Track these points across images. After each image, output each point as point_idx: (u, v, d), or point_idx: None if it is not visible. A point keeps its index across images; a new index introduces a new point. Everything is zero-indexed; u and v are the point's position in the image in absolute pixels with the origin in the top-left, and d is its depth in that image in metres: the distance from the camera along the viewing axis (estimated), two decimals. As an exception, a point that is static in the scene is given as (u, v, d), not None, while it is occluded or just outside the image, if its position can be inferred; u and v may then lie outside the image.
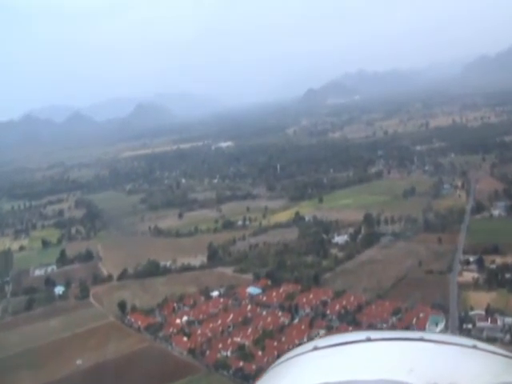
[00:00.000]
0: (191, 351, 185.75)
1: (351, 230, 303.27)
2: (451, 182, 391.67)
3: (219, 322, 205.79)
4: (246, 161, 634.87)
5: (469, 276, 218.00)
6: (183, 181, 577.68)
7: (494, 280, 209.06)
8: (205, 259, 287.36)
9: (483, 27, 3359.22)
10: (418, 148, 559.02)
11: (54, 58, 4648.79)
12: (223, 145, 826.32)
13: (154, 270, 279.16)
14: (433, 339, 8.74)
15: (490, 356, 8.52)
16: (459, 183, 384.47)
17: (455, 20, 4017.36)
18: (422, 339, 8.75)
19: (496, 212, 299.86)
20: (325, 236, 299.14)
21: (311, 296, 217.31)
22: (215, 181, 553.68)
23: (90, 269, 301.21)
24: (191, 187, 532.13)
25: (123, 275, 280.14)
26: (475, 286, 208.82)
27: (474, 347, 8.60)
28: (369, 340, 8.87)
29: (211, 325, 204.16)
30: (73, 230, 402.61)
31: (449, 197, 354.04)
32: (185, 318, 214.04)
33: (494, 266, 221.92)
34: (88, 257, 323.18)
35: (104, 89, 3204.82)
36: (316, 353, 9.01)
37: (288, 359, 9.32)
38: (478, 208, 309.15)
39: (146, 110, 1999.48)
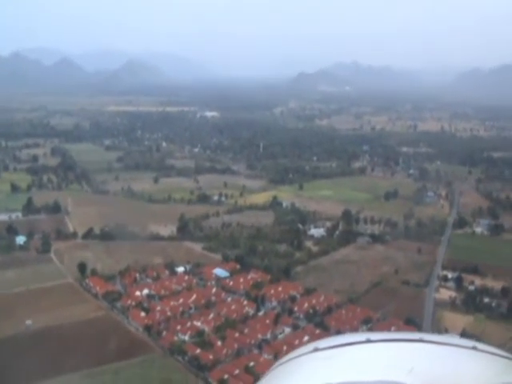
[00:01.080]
0: (147, 328, 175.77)
1: (328, 224, 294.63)
2: (435, 190, 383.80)
3: (181, 301, 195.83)
4: (230, 134, 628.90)
5: (446, 294, 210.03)
6: (164, 144, 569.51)
7: (472, 303, 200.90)
8: (174, 230, 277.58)
9: (480, 41, 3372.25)
10: (405, 149, 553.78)
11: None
12: (209, 114, 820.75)
13: (120, 234, 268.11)
14: (432, 340, 8.83)
15: (490, 357, 8.64)
16: (443, 193, 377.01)
17: (454, 28, 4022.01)
18: (421, 340, 8.83)
19: (479, 229, 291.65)
20: (301, 226, 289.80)
21: (280, 288, 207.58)
22: (196, 150, 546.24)
23: (55, 222, 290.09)
24: (171, 152, 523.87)
25: (88, 234, 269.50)
26: (452, 305, 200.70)
27: (474, 348, 8.69)
28: (369, 341, 8.97)
29: (172, 303, 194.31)
30: (45, 178, 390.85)
31: (432, 205, 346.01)
32: (145, 291, 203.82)
33: (472, 288, 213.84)
34: (55, 209, 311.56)
35: (96, 39, 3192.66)
36: (316, 354, 9.12)
37: (289, 360, 9.35)
38: (461, 222, 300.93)
39: (137, 66, 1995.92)
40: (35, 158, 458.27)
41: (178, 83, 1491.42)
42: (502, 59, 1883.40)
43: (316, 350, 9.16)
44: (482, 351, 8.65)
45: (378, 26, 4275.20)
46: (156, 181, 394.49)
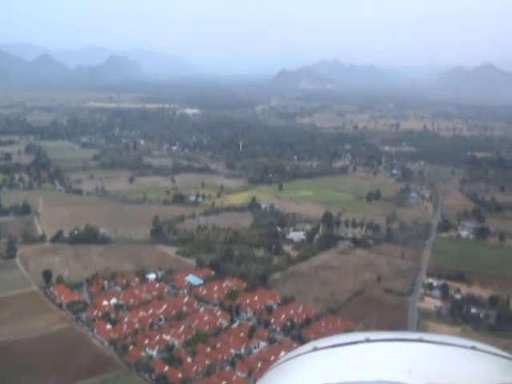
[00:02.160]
0: (113, 342, 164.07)
1: (308, 226, 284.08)
2: (418, 190, 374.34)
3: (150, 311, 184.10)
4: (210, 132, 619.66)
5: (431, 303, 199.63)
6: (142, 142, 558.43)
7: (459, 313, 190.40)
8: (148, 233, 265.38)
9: (464, 39, 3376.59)
10: (387, 149, 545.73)
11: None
12: (189, 111, 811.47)
13: (91, 237, 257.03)
14: (432, 340, 8.79)
15: (489, 357, 8.65)
16: (427, 194, 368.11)
17: (437, 27, 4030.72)
18: (421, 340, 8.80)
19: (464, 233, 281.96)
20: (279, 229, 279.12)
21: (256, 297, 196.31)
22: (174, 148, 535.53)
23: (24, 224, 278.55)
24: (148, 150, 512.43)
25: (57, 237, 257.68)
26: (437, 316, 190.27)
27: (473, 348, 8.71)
28: (368, 341, 8.95)
29: (141, 313, 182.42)
30: (16, 177, 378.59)
31: (415, 207, 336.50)
32: (113, 301, 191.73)
33: (458, 296, 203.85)
34: (25, 210, 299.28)
35: (79, 35, 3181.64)
36: (315, 353, 9.11)
37: (288, 360, 9.33)
38: (446, 225, 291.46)
39: (118, 62, 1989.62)
40: (8, 156, 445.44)
41: (160, 80, 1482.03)
42: (486, 58, 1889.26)
43: (315, 349, 9.06)
44: (482, 351, 8.62)
45: (361, 25, 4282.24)
46: (131, 180, 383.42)
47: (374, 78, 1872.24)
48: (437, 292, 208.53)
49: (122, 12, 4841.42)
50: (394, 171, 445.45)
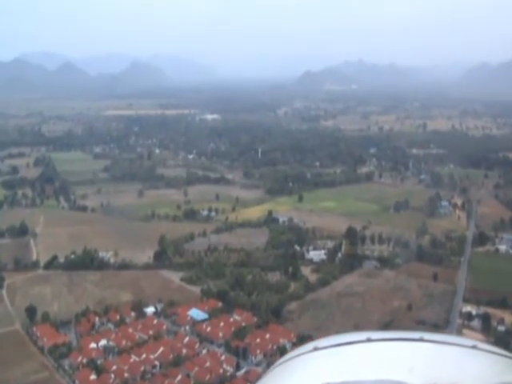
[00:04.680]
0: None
1: (330, 243, 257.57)
2: (450, 198, 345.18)
3: (143, 356, 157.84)
4: (228, 138, 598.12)
5: (471, 337, 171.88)
6: (157, 151, 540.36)
7: (503, 349, 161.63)
8: (152, 256, 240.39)
9: (488, 35, 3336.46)
10: (414, 151, 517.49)
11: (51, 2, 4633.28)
12: (209, 117, 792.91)
13: (88, 263, 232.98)
14: (433, 339, 8.81)
15: (490, 356, 8.74)
16: (459, 202, 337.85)
17: (460, 23, 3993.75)
18: (421, 339, 8.81)
19: (503, 247, 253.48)
20: (298, 247, 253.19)
21: (267, 336, 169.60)
22: (190, 156, 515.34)
23: (18, 248, 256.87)
24: (163, 160, 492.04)
25: (52, 263, 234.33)
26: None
27: (474, 347, 8.77)
28: (369, 340, 8.96)
29: (132, 359, 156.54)
30: (20, 193, 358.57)
31: (447, 217, 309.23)
32: (102, 343, 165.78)
33: (502, 328, 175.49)
34: (22, 231, 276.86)
35: (100, 42, 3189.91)
36: (316, 353, 9.08)
37: (288, 359, 9.29)
38: (481, 238, 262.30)
39: (141, 69, 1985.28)
40: (15, 170, 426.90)
41: (181, 85, 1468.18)
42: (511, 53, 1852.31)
43: (316, 349, 9.05)
44: (483, 350, 8.71)
45: (383, 23, 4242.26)
46: (141, 194, 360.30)
47: (397, 78, 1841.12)
48: (476, 323, 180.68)
49: (143, 18, 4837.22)
50: (423, 176, 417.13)
